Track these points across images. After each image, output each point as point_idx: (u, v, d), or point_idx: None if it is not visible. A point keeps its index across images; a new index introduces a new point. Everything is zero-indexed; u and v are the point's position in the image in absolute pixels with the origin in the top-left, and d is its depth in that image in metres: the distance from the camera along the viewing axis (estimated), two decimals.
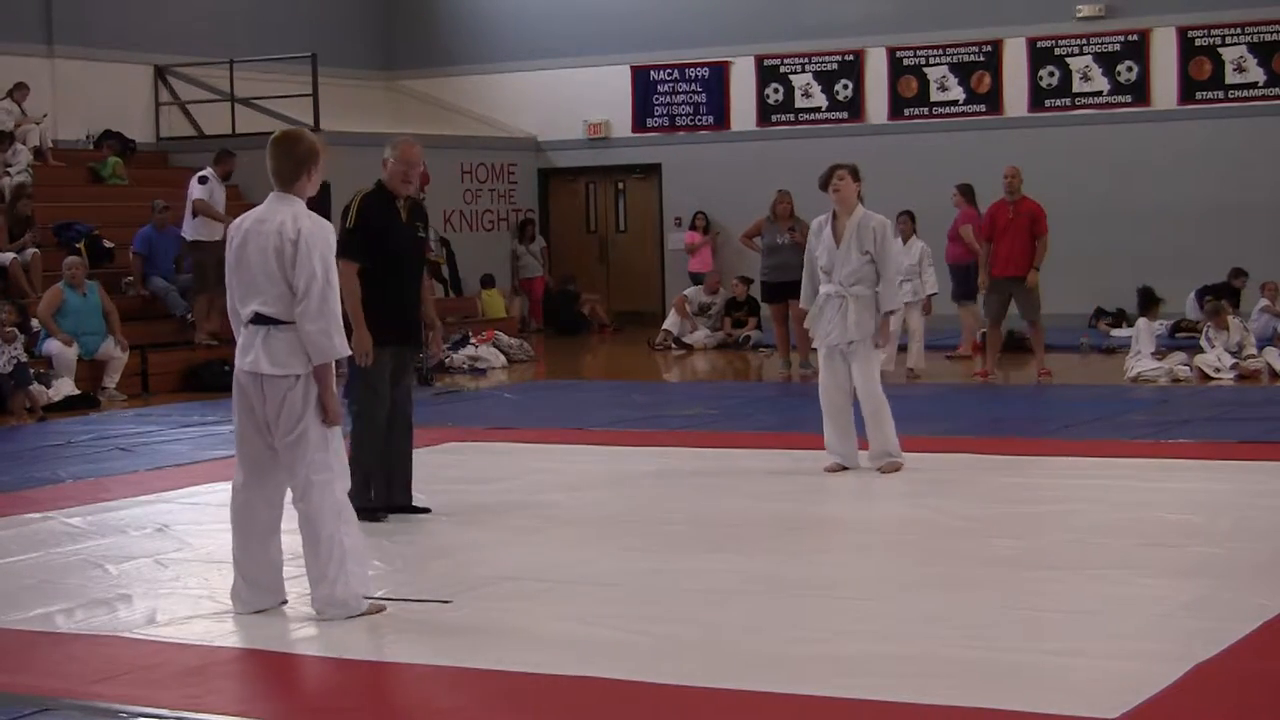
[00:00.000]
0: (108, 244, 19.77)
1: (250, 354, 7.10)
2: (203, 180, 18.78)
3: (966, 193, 19.54)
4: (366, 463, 9.34)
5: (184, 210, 18.92)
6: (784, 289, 17.55)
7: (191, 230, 18.76)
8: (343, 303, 7.33)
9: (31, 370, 15.81)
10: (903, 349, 17.58)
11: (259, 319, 7.09)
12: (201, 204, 18.62)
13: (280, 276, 7.03)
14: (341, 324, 7.13)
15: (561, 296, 25.64)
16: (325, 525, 7.05)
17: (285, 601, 7.35)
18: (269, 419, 7.10)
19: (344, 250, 8.95)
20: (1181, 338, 19.10)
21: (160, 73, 24.01)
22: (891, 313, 10.96)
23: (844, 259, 10.72)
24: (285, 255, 7.01)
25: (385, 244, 9.40)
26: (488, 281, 24.60)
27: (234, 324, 7.30)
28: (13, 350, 15.54)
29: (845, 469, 10.79)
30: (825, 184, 10.89)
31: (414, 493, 9.77)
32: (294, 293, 7.00)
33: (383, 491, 9.55)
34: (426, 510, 9.66)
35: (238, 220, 7.31)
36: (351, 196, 9.54)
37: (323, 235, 7.10)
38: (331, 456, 7.13)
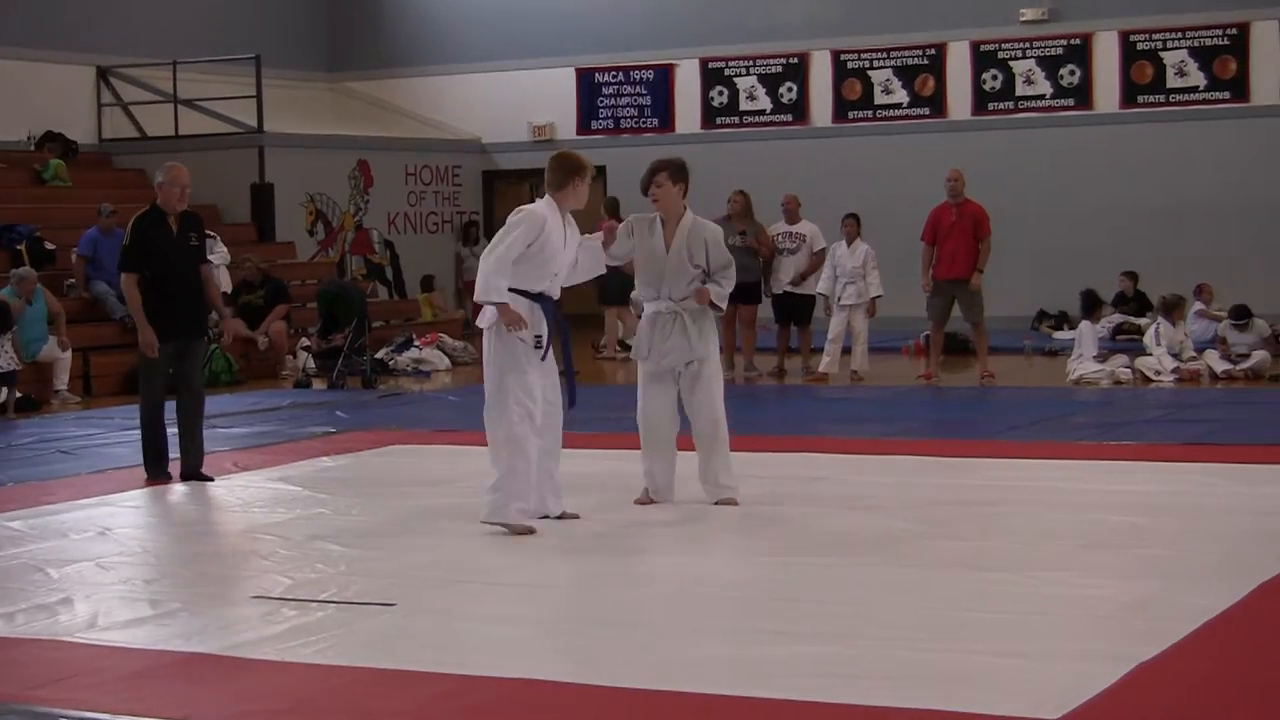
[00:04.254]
0: (50, 246, 19.63)
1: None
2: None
3: (610, 206, 19.61)
4: (153, 438, 11.19)
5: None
6: (733, 292, 17.52)
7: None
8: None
9: None
10: (846, 351, 17.63)
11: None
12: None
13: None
14: None
15: None
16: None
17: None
18: None
19: (123, 264, 11.27)
20: (1123, 340, 19.23)
21: (102, 73, 23.89)
22: (717, 307, 9.80)
23: (675, 273, 9.64)
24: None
25: (158, 255, 11.11)
26: (426, 284, 24.59)
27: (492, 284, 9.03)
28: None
29: (656, 503, 9.88)
30: (645, 188, 9.70)
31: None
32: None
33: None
34: (210, 479, 11.10)
35: (541, 215, 9.07)
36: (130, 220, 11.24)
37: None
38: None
